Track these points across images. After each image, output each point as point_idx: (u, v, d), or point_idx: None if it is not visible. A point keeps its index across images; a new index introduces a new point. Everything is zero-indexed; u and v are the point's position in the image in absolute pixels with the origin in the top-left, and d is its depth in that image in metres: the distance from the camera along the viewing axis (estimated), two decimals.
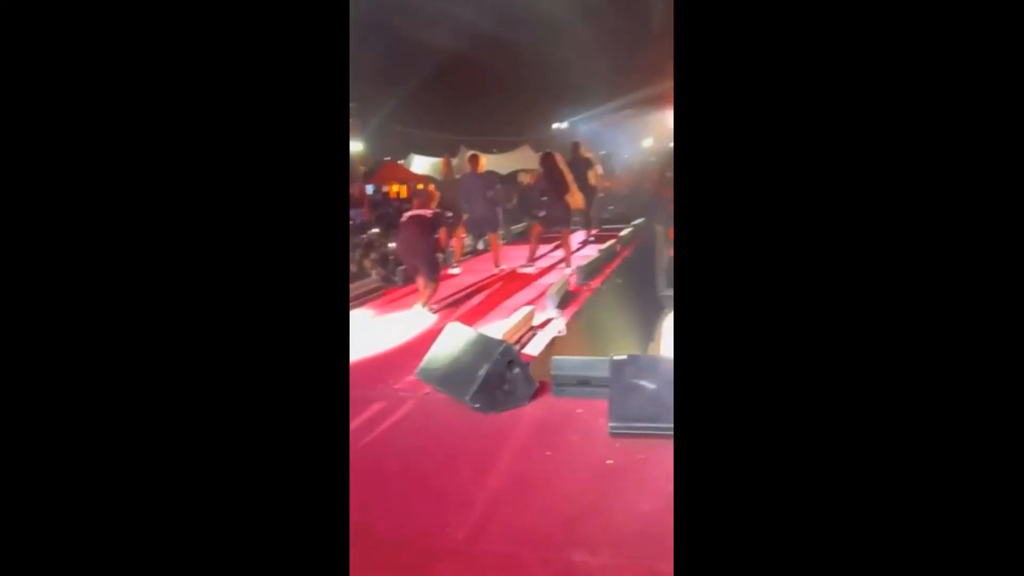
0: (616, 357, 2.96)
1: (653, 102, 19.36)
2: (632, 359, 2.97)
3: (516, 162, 20.75)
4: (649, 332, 6.94)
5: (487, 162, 20.63)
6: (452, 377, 3.38)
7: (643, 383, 2.85)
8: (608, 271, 6.51)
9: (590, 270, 6.07)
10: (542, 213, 6.51)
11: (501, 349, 3.26)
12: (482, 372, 3.21)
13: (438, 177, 16.29)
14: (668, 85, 19.01)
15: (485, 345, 3.35)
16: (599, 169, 8.25)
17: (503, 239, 8.61)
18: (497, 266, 6.75)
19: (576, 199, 6.67)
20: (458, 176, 18.26)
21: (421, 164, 18.96)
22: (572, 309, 5.15)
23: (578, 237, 8.13)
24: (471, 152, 7.04)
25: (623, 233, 8.03)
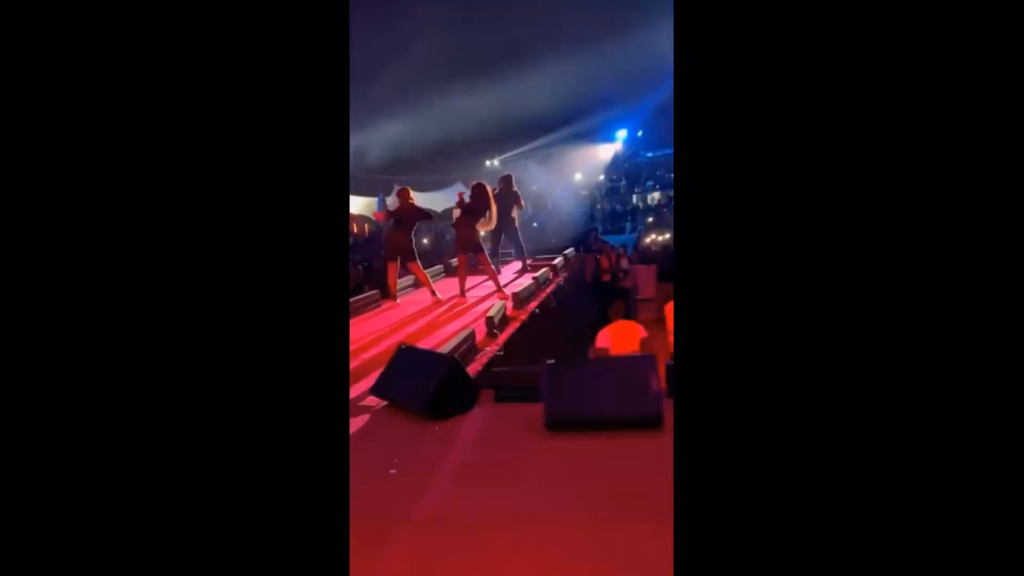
0: (549, 362, 3.45)
1: (582, 138, 20.36)
2: (562, 363, 3.47)
3: (450, 200, 21.31)
4: (582, 351, 7.50)
5: (419, 199, 20.91)
6: (405, 391, 3.80)
7: (571, 382, 3.35)
8: (542, 296, 7.04)
9: (526, 295, 6.59)
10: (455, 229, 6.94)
11: (449, 363, 3.71)
12: (433, 384, 3.64)
13: (371, 217, 16.58)
14: (593, 122, 20.14)
15: (434, 360, 3.79)
16: (523, 202, 8.89)
17: (442, 272, 9.04)
18: (434, 295, 7.13)
19: (488, 225, 7.22)
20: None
21: (355, 204, 19.22)
22: (509, 331, 5.63)
23: (515, 267, 8.70)
24: (401, 187, 7.34)
25: (556, 261, 8.64)
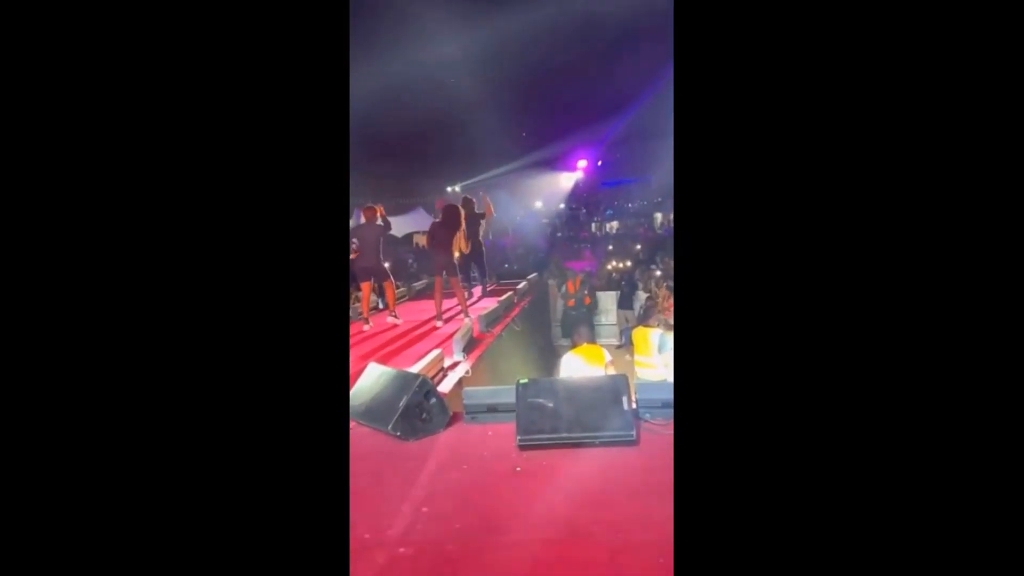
0: (521, 381, 3.44)
1: (543, 166, 20.64)
2: (533, 382, 3.46)
3: (411, 224, 21.25)
4: (548, 372, 7.52)
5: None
6: (375, 410, 3.73)
7: (543, 401, 3.34)
8: (507, 320, 7.04)
9: (491, 319, 6.59)
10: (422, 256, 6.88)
11: (418, 382, 3.66)
12: (402, 403, 3.59)
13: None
14: (555, 150, 20.46)
15: (404, 379, 3.74)
16: (490, 219, 8.85)
17: (405, 295, 8.99)
18: (391, 313, 7.05)
19: (460, 246, 7.19)
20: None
21: None
22: (476, 353, 5.61)
23: (477, 291, 8.69)
24: (367, 204, 7.20)
25: (520, 286, 8.68)
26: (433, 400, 3.71)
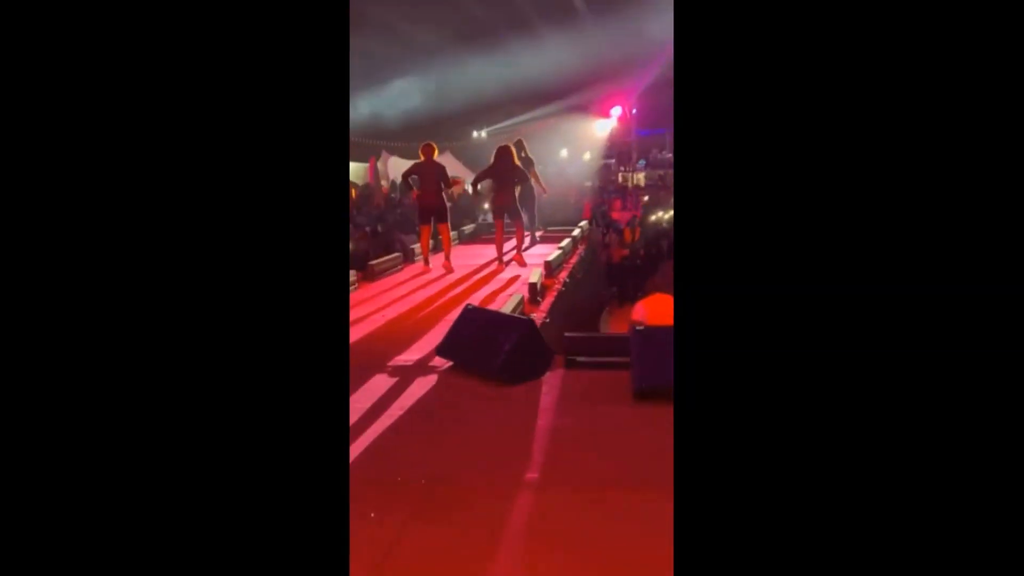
0: (637, 328, 3.33)
1: (569, 113, 20.14)
2: (648, 329, 3.36)
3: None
4: (604, 319, 7.48)
5: (403, 166, 20.51)
6: (477, 354, 3.64)
7: (664, 351, 3.24)
8: (569, 266, 6.93)
9: (556, 264, 6.47)
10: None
11: (525, 325, 3.57)
12: (508, 347, 3.50)
13: (359, 183, 16.21)
14: (584, 97, 19.92)
15: (508, 323, 3.64)
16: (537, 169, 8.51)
17: (455, 240, 8.85)
18: (447, 260, 6.91)
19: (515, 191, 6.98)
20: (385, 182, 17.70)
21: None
22: (549, 299, 5.51)
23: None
24: (425, 142, 6.99)
25: (575, 233, 8.53)
26: (538, 345, 3.62)
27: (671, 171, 19.72)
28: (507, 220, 6.84)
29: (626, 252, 8.35)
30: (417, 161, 6.94)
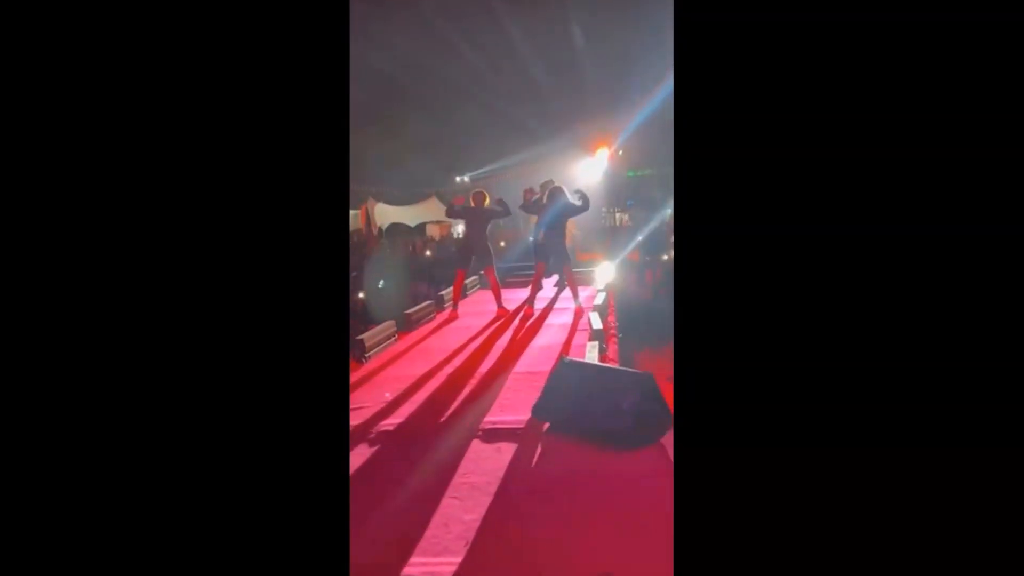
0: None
1: (548, 157, 20.03)
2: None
3: (424, 213, 20.59)
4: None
5: (396, 213, 20.10)
6: (585, 413, 3.10)
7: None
8: (612, 311, 6.50)
9: (603, 311, 6.04)
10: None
11: (646, 382, 3.05)
12: (630, 407, 2.97)
13: (351, 228, 15.77)
14: (563, 141, 19.86)
15: (626, 378, 3.12)
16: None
17: (477, 284, 8.38)
18: (500, 304, 6.57)
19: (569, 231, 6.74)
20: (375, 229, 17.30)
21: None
22: (612, 345, 5.03)
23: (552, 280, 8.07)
24: (476, 190, 6.70)
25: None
26: (658, 402, 3.10)
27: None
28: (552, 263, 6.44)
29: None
30: (466, 205, 6.78)
